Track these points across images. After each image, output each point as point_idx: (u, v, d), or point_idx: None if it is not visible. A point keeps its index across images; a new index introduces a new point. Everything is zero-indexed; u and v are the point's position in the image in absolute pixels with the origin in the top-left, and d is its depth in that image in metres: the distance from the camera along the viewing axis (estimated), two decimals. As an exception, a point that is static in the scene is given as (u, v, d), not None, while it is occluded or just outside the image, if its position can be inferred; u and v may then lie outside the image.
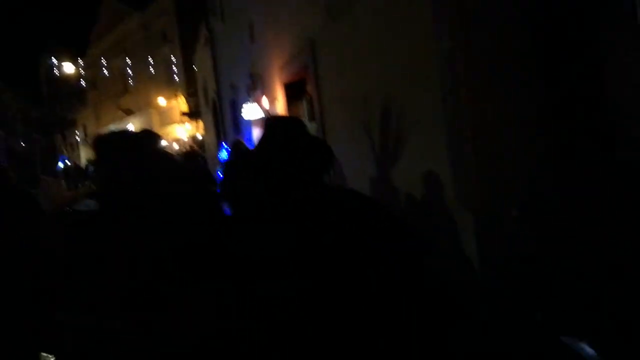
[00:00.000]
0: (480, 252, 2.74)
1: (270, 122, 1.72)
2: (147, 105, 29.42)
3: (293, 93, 7.09)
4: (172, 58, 26.26)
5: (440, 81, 3.02)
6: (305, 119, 7.06)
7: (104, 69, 35.77)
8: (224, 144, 9.87)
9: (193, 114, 19.51)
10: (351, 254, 1.14)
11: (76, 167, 24.54)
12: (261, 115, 8.20)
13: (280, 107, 7.45)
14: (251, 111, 8.36)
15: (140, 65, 30.53)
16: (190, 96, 20.98)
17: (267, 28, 7.63)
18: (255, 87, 8.50)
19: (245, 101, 8.81)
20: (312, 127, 6.75)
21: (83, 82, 37.63)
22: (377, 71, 4.12)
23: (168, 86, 27.04)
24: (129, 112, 32.65)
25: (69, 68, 29.89)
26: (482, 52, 2.76)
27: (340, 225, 1.16)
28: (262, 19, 7.80)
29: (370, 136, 4.47)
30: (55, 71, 29.90)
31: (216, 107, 12.48)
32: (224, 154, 9.50)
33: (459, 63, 2.82)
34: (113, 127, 34.45)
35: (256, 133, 9.07)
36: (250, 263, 1.22)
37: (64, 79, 33.23)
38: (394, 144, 3.99)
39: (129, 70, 32.70)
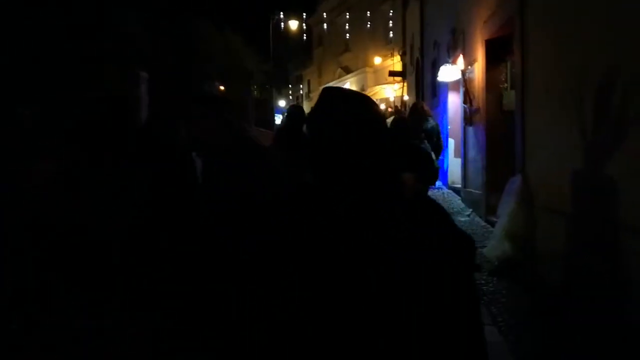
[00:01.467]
0: None
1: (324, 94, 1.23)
2: (364, 64, 29.64)
3: (495, 52, 5.88)
4: (391, 14, 25.70)
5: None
6: (505, 86, 5.81)
7: (329, 26, 36.98)
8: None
9: (400, 74, 18.80)
10: (358, 259, 1.03)
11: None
12: (457, 77, 7.10)
13: (479, 69, 6.27)
14: (447, 73, 7.29)
15: (361, 23, 30.72)
16: (404, 55, 20.25)
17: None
18: (456, 45, 7.38)
19: (445, 61, 7.75)
20: (510, 96, 5.51)
21: (309, 39, 39.55)
22: (609, 31, 2.93)
23: (385, 45, 26.72)
24: (347, 70, 33.39)
25: (296, 25, 31.52)
26: None
27: (358, 235, 1.02)
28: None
29: (585, 117, 3.33)
30: (284, 28, 31.83)
31: (419, 67, 11.55)
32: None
33: None
34: (333, 84, 35.81)
35: (451, 99, 7.99)
36: (251, 262, 1.19)
37: (292, 35, 35.30)
38: (620, 133, 2.84)
39: (351, 28, 33.20)
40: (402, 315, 0.99)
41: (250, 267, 1.14)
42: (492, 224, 5.39)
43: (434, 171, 4.26)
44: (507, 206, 4.66)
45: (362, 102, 1.19)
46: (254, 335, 1.05)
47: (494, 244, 4.59)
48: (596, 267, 3.19)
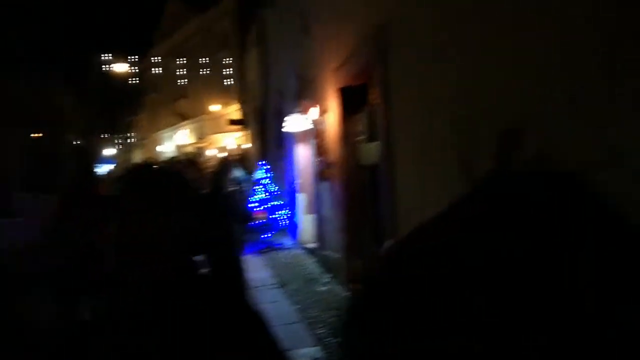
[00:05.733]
0: None
1: None
2: (201, 111, 28.67)
3: (351, 101, 5.34)
4: (229, 63, 25.26)
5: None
6: (363, 138, 5.28)
7: (163, 71, 35.54)
8: (262, 163, 8.19)
9: (241, 122, 18.15)
10: None
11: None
12: (307, 127, 6.48)
13: (333, 120, 5.70)
14: (295, 123, 6.65)
15: (197, 70, 29.94)
16: (244, 103, 19.71)
17: (323, 17, 5.98)
18: (304, 93, 6.81)
19: (292, 111, 7.13)
20: (372, 149, 4.97)
21: (141, 84, 37.56)
22: (492, 74, 2.43)
23: (223, 92, 26.13)
24: (183, 117, 32.10)
25: (124, 69, 29.57)
26: None
27: None
28: (319, 6, 6.14)
29: (469, 173, 2.75)
30: (110, 72, 29.67)
31: (262, 116, 10.92)
32: (259, 174, 7.83)
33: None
34: (168, 131, 34.05)
35: (300, 150, 7.36)
36: None
37: (121, 81, 33.15)
38: None
39: (187, 74, 32.21)
40: None
41: None
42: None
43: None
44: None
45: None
46: None
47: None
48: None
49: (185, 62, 31.96)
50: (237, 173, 7.27)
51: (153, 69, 36.31)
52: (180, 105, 32.68)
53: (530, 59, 2.21)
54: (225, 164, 7.15)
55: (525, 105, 2.26)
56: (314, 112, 6.25)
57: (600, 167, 1.76)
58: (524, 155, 2.33)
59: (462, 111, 2.83)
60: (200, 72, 29.49)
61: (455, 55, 2.92)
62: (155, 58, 35.92)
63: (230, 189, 6.73)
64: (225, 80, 26.76)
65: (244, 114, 18.67)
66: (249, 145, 15.59)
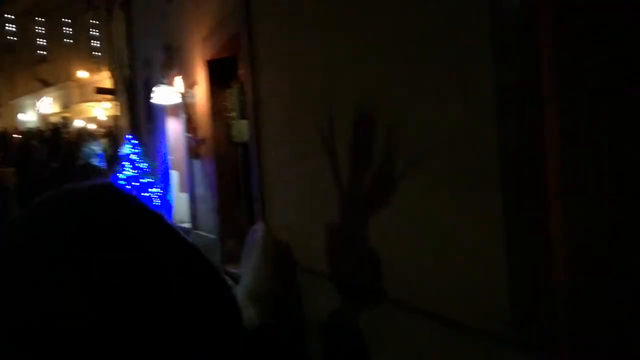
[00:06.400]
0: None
1: None
2: (67, 78, 26.33)
3: (220, 75, 5.06)
4: (97, 27, 23.31)
5: (497, 73, 1.49)
6: (234, 114, 5.06)
7: (19, 32, 32.01)
8: (130, 137, 7.64)
9: (110, 92, 16.89)
10: None
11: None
12: (176, 100, 6.10)
13: (202, 94, 5.38)
14: (163, 95, 6.22)
15: (61, 33, 27.33)
16: (114, 71, 18.32)
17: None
18: (171, 64, 6.37)
19: (159, 82, 6.66)
20: (244, 126, 4.77)
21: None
22: (363, 52, 2.34)
23: (91, 58, 24.16)
24: (46, 84, 29.29)
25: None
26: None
27: None
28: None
29: (331, 152, 2.72)
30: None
31: (133, 86, 10.18)
32: (127, 149, 7.31)
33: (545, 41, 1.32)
34: (29, 99, 30.90)
35: (171, 125, 6.94)
36: None
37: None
38: (377, 173, 2.28)
39: (49, 37, 29.32)
40: None
41: None
42: (235, 279, 4.55)
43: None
44: (249, 261, 3.84)
45: None
46: None
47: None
48: (365, 339, 2.58)
49: (46, 23, 29.03)
50: (95, 146, 6.67)
51: (9, 29, 32.60)
52: (42, 71, 29.77)
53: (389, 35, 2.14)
54: (81, 136, 6.54)
55: (381, 82, 2.20)
56: (180, 84, 5.87)
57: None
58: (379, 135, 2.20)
59: (326, 86, 2.73)
60: (64, 36, 27.01)
61: (320, 30, 2.79)
62: (10, 16, 32.20)
63: (89, 162, 6.21)
64: (94, 45, 24.77)
65: (115, 82, 17.40)
66: (120, 117, 14.59)
